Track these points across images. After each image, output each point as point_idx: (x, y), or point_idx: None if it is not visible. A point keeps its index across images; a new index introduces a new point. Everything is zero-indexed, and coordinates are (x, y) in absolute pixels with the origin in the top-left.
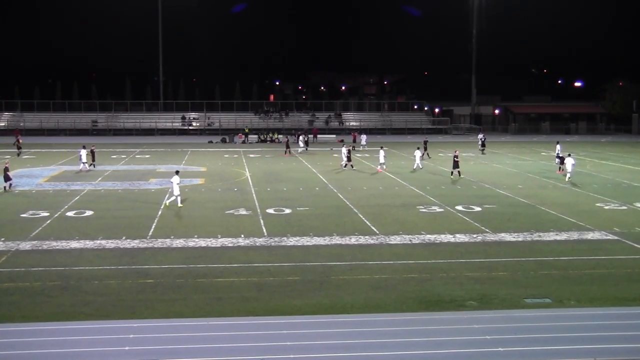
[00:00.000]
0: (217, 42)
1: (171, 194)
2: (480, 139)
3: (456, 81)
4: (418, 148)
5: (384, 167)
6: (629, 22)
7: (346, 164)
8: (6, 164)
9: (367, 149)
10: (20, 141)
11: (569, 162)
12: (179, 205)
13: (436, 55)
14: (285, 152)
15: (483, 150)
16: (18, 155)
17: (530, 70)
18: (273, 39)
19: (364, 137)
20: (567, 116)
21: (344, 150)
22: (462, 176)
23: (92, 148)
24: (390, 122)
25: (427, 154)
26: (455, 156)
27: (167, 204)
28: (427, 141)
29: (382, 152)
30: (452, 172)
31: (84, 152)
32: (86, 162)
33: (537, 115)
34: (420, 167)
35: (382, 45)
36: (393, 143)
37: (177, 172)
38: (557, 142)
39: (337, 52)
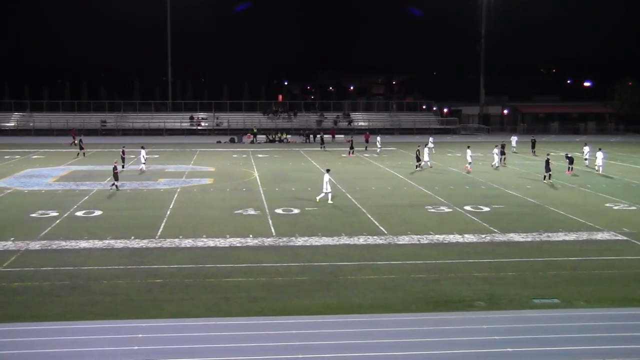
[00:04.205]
0: (225, 42)
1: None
2: (514, 140)
3: (464, 81)
4: (496, 146)
5: (469, 166)
6: (638, 21)
7: (418, 165)
8: (115, 162)
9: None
10: (77, 142)
11: (600, 156)
12: (330, 201)
13: (444, 55)
14: (349, 152)
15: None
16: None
17: (539, 70)
18: (281, 39)
19: (431, 139)
20: (576, 116)
21: (426, 150)
22: (551, 180)
23: (123, 148)
24: (398, 122)
25: (504, 158)
26: (548, 159)
27: (318, 200)
28: (504, 144)
29: (468, 152)
30: (550, 176)
31: (143, 152)
32: (145, 162)
33: (545, 115)
34: (497, 166)
35: (390, 45)
36: (400, 143)
37: (327, 171)
38: (585, 144)
39: (345, 52)
